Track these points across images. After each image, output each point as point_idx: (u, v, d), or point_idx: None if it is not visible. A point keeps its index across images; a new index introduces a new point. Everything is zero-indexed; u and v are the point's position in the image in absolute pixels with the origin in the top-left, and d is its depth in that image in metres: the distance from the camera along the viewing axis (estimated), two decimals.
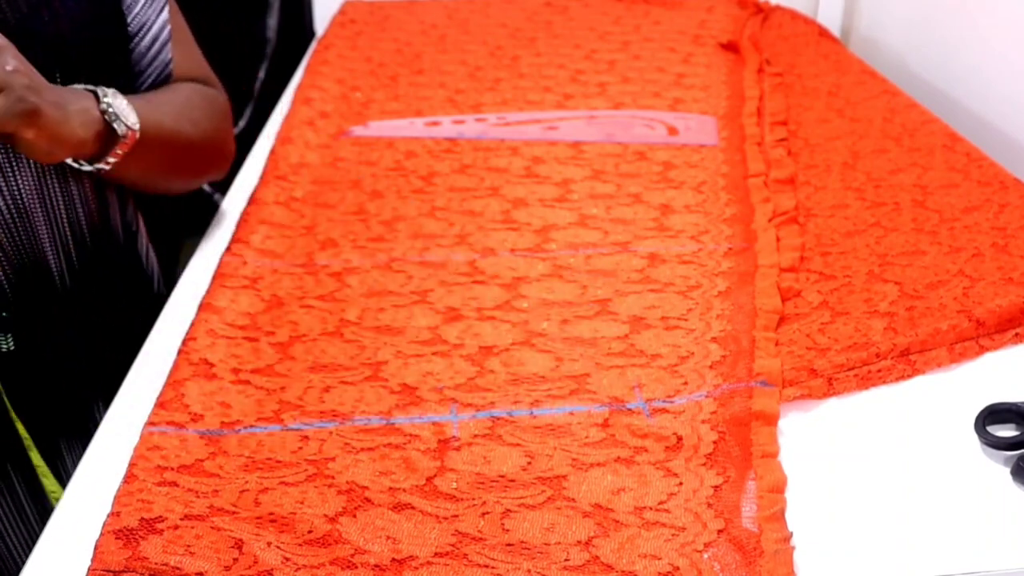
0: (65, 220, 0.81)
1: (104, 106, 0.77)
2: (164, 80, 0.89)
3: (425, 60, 1.51)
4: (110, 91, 0.78)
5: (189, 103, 0.90)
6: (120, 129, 0.78)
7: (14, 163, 0.77)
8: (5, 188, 0.77)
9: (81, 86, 0.78)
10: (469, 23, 1.69)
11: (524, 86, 1.41)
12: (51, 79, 0.76)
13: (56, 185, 0.81)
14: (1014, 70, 1.22)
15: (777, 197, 1.04)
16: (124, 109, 0.79)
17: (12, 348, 0.78)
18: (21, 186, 0.77)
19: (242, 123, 1.80)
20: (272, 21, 1.83)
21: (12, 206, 0.77)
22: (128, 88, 0.84)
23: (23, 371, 0.79)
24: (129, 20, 0.84)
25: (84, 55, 0.81)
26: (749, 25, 1.60)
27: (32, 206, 0.78)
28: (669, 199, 1.07)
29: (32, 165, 0.78)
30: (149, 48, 0.86)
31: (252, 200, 1.04)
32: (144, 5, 0.85)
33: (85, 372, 0.82)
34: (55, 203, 0.80)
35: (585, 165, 1.15)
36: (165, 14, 0.86)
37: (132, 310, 0.89)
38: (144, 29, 0.85)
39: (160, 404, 0.72)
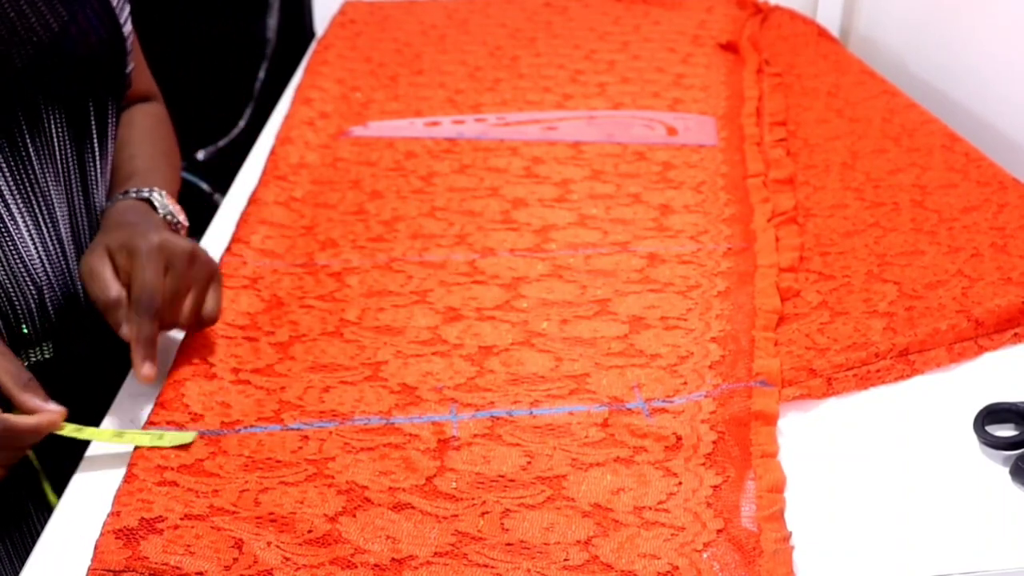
0: None
1: (164, 213, 0.82)
2: (126, 87, 0.90)
3: (425, 60, 1.51)
4: (155, 194, 0.83)
5: (165, 144, 0.93)
6: (181, 232, 0.84)
7: (54, 207, 0.79)
8: (50, 224, 0.79)
9: (134, 192, 0.82)
10: (469, 23, 1.69)
11: (524, 86, 1.41)
12: (84, 96, 0.80)
13: (86, 221, 0.83)
14: (1013, 70, 1.22)
15: (776, 197, 1.04)
16: (173, 209, 0.84)
17: (51, 355, 0.81)
18: (60, 226, 0.80)
19: (242, 123, 1.80)
20: (272, 21, 1.83)
21: (55, 246, 0.80)
22: (119, 98, 0.87)
23: (60, 378, 0.81)
24: (123, 29, 0.85)
25: (107, 70, 0.83)
26: (748, 25, 1.60)
27: (67, 241, 0.81)
28: (668, 199, 1.07)
29: (68, 207, 0.81)
30: (129, 57, 0.87)
31: (252, 200, 1.04)
32: (127, 16, 0.87)
33: (110, 384, 0.83)
34: (86, 238, 0.83)
35: (584, 165, 1.15)
36: (130, 24, 0.87)
37: None
38: (128, 38, 0.86)
39: (160, 404, 0.72)
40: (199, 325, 0.76)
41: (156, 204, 0.82)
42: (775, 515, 0.62)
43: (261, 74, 1.82)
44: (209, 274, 0.76)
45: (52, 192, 0.79)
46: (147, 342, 0.70)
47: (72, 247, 0.81)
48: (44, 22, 0.76)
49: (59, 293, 0.80)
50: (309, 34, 1.79)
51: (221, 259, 0.92)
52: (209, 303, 0.76)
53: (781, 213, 1.00)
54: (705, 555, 0.60)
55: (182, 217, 0.84)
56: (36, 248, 0.78)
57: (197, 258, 0.74)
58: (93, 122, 0.82)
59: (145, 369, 0.70)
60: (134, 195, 0.82)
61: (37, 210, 0.78)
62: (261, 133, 1.26)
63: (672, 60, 1.50)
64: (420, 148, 1.21)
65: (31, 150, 0.77)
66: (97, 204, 0.84)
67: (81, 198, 0.82)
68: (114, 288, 0.71)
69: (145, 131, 0.91)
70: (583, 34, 1.63)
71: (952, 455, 0.68)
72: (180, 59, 1.78)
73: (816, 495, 0.64)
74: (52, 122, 0.78)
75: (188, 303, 0.74)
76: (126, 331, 0.70)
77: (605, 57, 1.52)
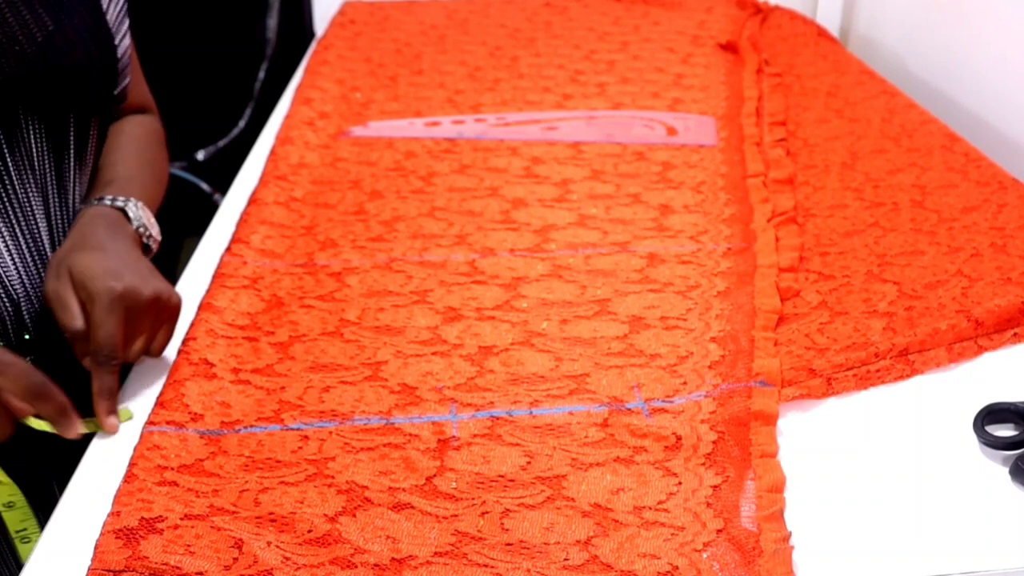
0: None
1: (137, 225, 0.81)
2: (118, 102, 0.90)
3: (425, 60, 1.51)
4: (130, 204, 0.81)
5: (151, 155, 0.92)
6: (152, 246, 0.83)
7: (33, 218, 0.79)
8: (28, 236, 0.78)
9: (109, 200, 0.81)
10: (469, 23, 1.69)
11: (523, 86, 1.41)
12: (65, 108, 0.79)
13: (65, 234, 0.82)
14: (1012, 70, 1.22)
15: (776, 197, 1.04)
16: (147, 221, 0.82)
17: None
18: (39, 238, 0.79)
19: (242, 123, 1.81)
20: (272, 21, 1.83)
21: (33, 259, 0.79)
22: (111, 112, 0.86)
23: None
24: (117, 47, 0.84)
25: (93, 84, 0.82)
26: (748, 25, 1.60)
27: (47, 254, 0.80)
28: (668, 199, 1.07)
29: (47, 219, 0.80)
30: (123, 74, 0.87)
31: (252, 200, 1.04)
32: (125, 32, 0.86)
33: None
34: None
35: (584, 165, 1.15)
36: (128, 39, 0.87)
37: None
38: (124, 55, 0.86)
39: (160, 403, 0.72)
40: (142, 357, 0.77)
41: (130, 215, 0.81)
42: (775, 515, 0.62)
43: (261, 74, 1.82)
44: (168, 315, 0.76)
45: (32, 203, 0.78)
46: (109, 394, 0.72)
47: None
48: (28, 32, 0.75)
49: (36, 305, 0.79)
50: (309, 34, 1.79)
51: (221, 259, 0.92)
52: (158, 341, 0.77)
53: (781, 213, 1.00)
54: (705, 555, 0.60)
55: (155, 231, 0.83)
56: (12, 260, 0.77)
57: (158, 303, 0.74)
58: (72, 135, 0.81)
59: (110, 421, 0.72)
60: (109, 203, 0.80)
61: (14, 221, 0.77)
62: (261, 133, 1.26)
63: (672, 60, 1.50)
64: (420, 148, 1.21)
65: (9, 161, 0.76)
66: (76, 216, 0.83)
67: (59, 210, 0.81)
68: (79, 320, 0.72)
69: (132, 140, 0.90)
70: (583, 34, 1.63)
71: (952, 455, 0.68)
72: (180, 59, 1.78)
73: (816, 495, 0.64)
74: (31, 133, 0.77)
75: (139, 344, 0.75)
76: (88, 363, 0.72)
77: (605, 57, 1.52)
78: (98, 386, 0.71)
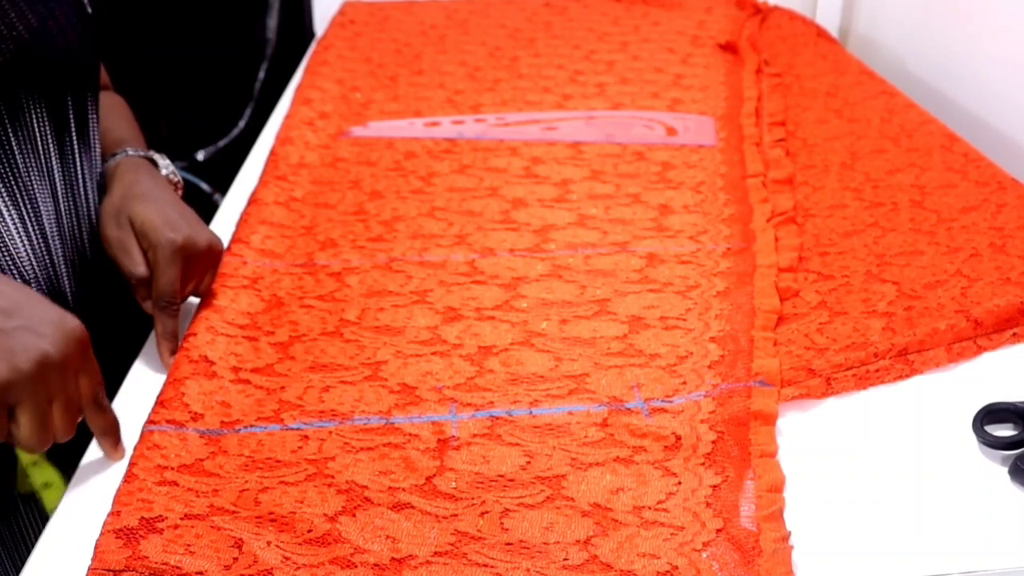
0: (78, 245, 0.83)
1: (167, 173, 0.89)
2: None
3: (425, 60, 1.51)
4: (153, 154, 0.89)
5: (135, 123, 0.97)
6: (179, 192, 0.89)
7: (38, 202, 0.79)
8: (36, 224, 0.79)
9: (132, 152, 0.87)
10: (469, 23, 1.69)
11: (523, 86, 1.41)
12: (63, 90, 0.81)
13: (73, 213, 0.83)
14: (1012, 70, 1.22)
15: (775, 197, 1.04)
16: (174, 168, 0.90)
17: None
18: (44, 221, 0.79)
19: (242, 123, 1.81)
20: (272, 21, 1.83)
21: (40, 241, 0.79)
22: (97, 92, 0.88)
23: None
24: (97, 30, 0.85)
25: (84, 64, 0.83)
26: (747, 26, 1.60)
27: (52, 235, 0.80)
28: (668, 199, 1.07)
29: (53, 202, 0.80)
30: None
31: (252, 200, 1.04)
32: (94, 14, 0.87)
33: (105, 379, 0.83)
34: (71, 231, 0.82)
35: (584, 165, 1.16)
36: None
37: (135, 324, 0.91)
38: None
39: (160, 402, 0.72)
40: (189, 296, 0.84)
41: (159, 163, 0.88)
42: (774, 515, 0.62)
43: (261, 74, 1.82)
44: (215, 260, 0.84)
45: (36, 186, 0.78)
46: (171, 336, 0.80)
47: (57, 242, 0.80)
48: (24, 19, 0.76)
49: (45, 288, 0.79)
50: (309, 34, 1.79)
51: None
52: (205, 283, 0.84)
53: (780, 213, 1.00)
54: (704, 555, 0.60)
55: (179, 178, 0.90)
56: (22, 242, 0.77)
57: (211, 250, 0.82)
58: (72, 116, 0.82)
59: (169, 360, 0.79)
60: (133, 153, 0.86)
61: (22, 204, 0.77)
62: (261, 133, 1.26)
63: (671, 60, 1.50)
64: (420, 148, 1.21)
65: (13, 144, 0.77)
66: (84, 200, 0.84)
67: (66, 193, 0.81)
68: (143, 267, 0.79)
69: (116, 109, 0.94)
70: (582, 34, 1.63)
71: (951, 455, 0.68)
72: (181, 59, 1.78)
73: (815, 495, 0.65)
74: (34, 116, 0.78)
75: (191, 287, 0.83)
76: (149, 307, 0.80)
77: (604, 57, 1.53)
78: (161, 329, 0.79)
